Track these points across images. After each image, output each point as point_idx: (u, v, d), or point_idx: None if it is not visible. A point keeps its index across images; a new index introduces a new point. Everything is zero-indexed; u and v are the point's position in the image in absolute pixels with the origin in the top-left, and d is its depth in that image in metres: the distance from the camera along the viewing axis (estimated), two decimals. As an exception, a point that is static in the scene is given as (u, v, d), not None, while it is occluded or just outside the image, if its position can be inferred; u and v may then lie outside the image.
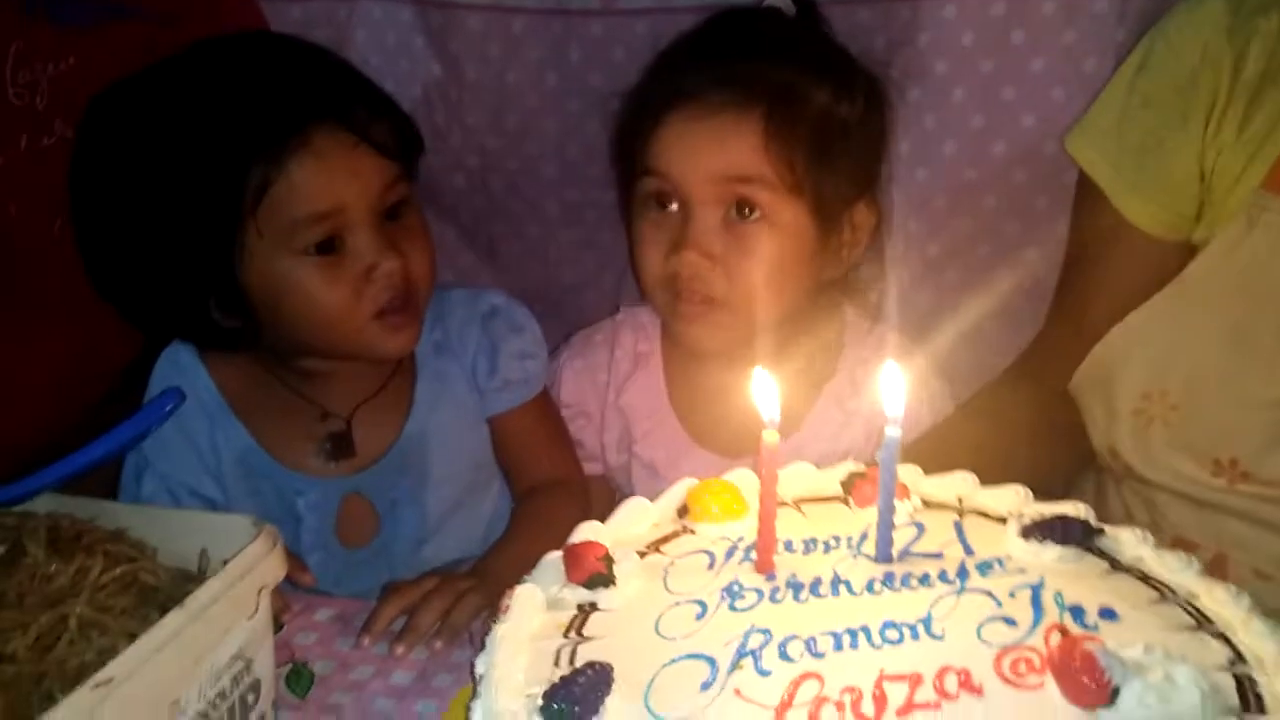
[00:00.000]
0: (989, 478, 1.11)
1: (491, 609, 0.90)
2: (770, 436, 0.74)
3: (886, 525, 0.75)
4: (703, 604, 0.72)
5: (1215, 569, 1.06)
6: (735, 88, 1.09)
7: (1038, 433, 1.17)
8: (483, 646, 0.69)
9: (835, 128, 1.13)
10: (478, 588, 0.97)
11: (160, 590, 0.67)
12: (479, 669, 0.68)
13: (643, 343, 1.29)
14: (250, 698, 0.71)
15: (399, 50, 1.37)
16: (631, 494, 0.84)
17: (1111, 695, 0.59)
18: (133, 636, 0.61)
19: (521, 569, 0.77)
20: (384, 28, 1.37)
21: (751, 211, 1.10)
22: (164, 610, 0.64)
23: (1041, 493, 1.19)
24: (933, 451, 1.15)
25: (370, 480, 1.17)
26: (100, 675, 0.58)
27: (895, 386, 0.73)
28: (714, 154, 1.09)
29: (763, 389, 0.75)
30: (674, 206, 1.12)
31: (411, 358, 1.20)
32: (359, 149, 1.03)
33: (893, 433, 0.73)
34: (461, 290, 1.26)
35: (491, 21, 1.34)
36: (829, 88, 1.13)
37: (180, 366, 1.16)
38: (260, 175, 1.00)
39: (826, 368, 1.23)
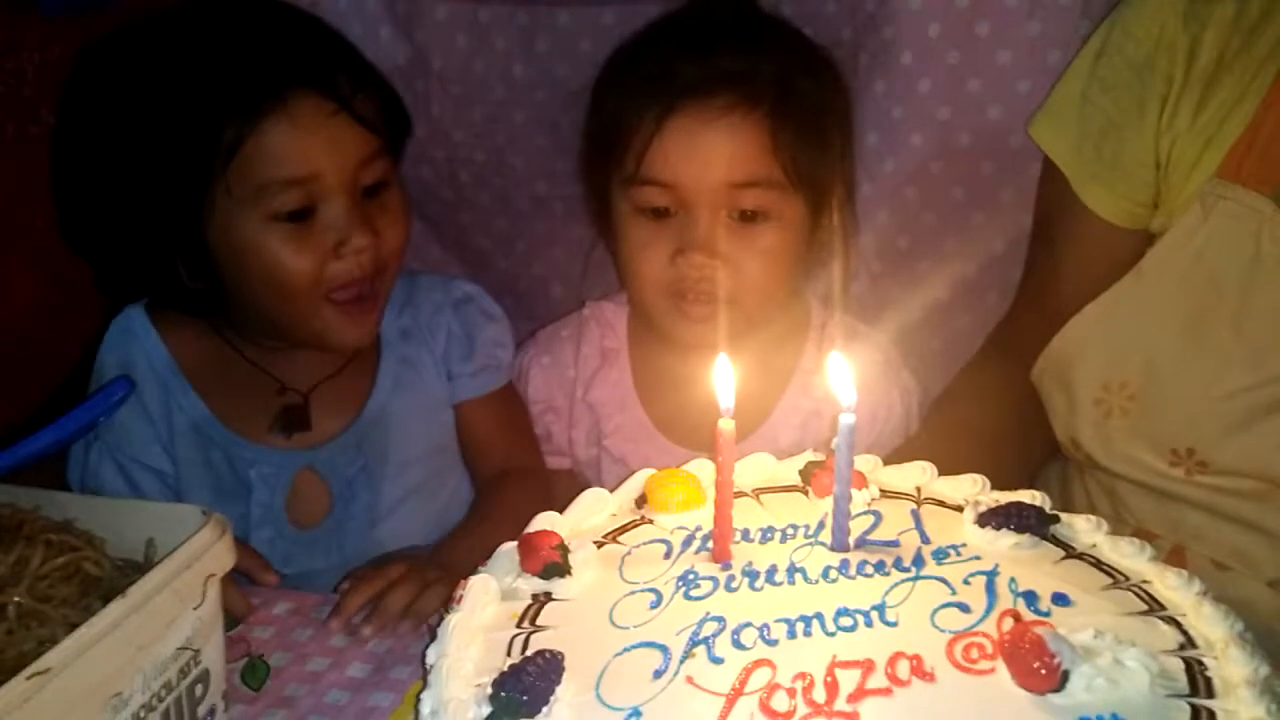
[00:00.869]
0: (986, 457, 1.14)
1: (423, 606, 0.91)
2: (726, 425, 0.74)
3: (843, 514, 0.75)
4: (658, 593, 0.71)
5: (1174, 560, 1.05)
6: (736, 88, 1.06)
7: (1023, 410, 1.17)
8: (435, 637, 0.69)
9: (823, 115, 1.12)
10: (444, 578, 0.95)
11: (104, 580, 0.66)
12: (430, 659, 0.67)
13: (609, 338, 1.27)
14: (199, 689, 0.70)
15: (365, 39, 1.35)
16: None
17: (1061, 679, 0.59)
18: (73, 626, 0.60)
19: (482, 558, 0.76)
20: (349, 16, 1.36)
21: (755, 213, 1.08)
22: (107, 600, 0.63)
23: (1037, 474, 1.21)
24: (929, 443, 1.17)
25: (325, 457, 1.15)
26: (36, 665, 0.57)
27: (845, 374, 0.73)
28: (722, 161, 1.06)
29: (721, 378, 0.75)
30: (674, 213, 1.09)
31: (377, 340, 1.17)
32: (338, 118, 1.01)
33: (846, 420, 0.72)
34: (433, 276, 1.24)
35: (458, 11, 1.33)
36: (812, 76, 1.13)
37: (133, 333, 1.13)
38: (233, 133, 0.97)
39: (792, 357, 1.23)
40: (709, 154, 1.06)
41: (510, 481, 1.23)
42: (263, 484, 1.12)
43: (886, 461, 1.14)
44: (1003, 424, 1.19)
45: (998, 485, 1.11)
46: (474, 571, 0.73)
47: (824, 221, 1.15)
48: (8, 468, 0.70)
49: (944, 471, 0.87)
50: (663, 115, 1.06)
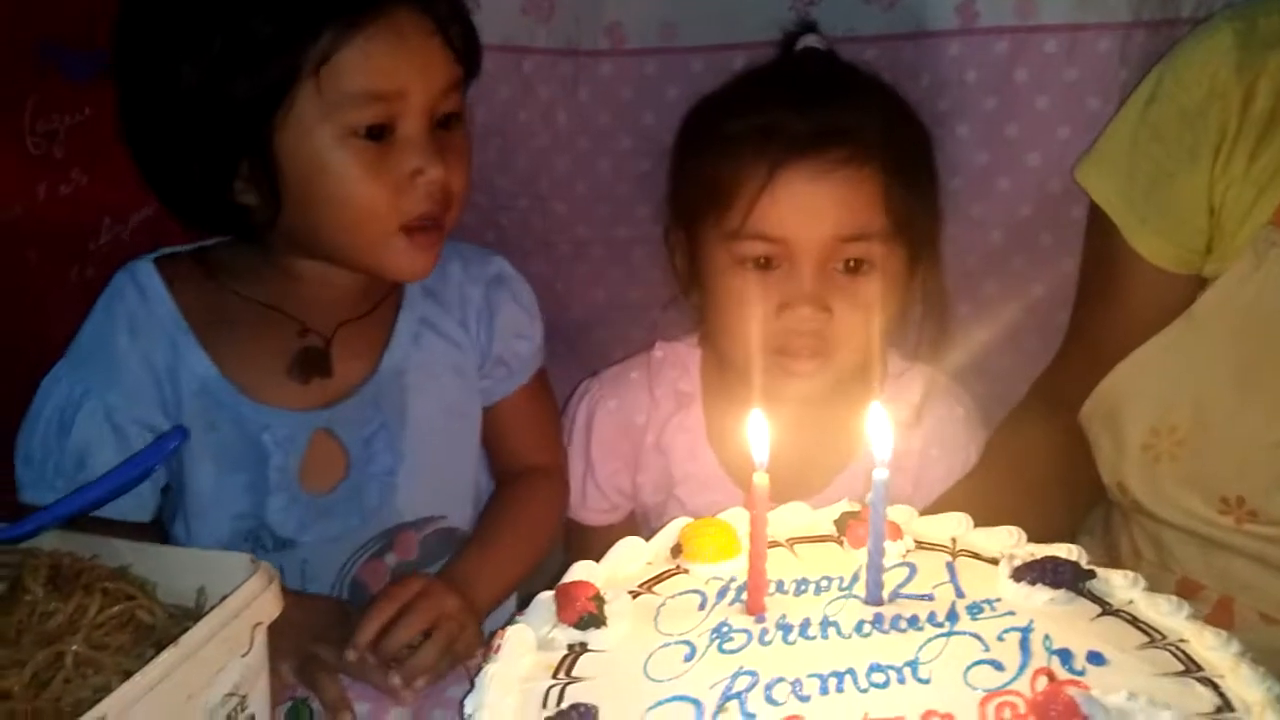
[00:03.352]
0: (1033, 503, 1.13)
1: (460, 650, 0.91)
2: (760, 479, 0.74)
3: (876, 568, 0.75)
4: (692, 645, 0.72)
5: (1221, 611, 1.05)
6: (847, 143, 1.05)
7: (1070, 456, 1.16)
8: (473, 686, 0.70)
9: (921, 166, 1.13)
10: (454, 618, 0.96)
11: (157, 628, 0.69)
12: (468, 709, 0.68)
13: (683, 381, 1.25)
14: (245, 734, 0.72)
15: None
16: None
17: (1094, 742, 0.59)
18: (127, 674, 0.62)
19: (499, 583, 0.76)
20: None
21: (859, 264, 1.08)
22: (160, 648, 0.65)
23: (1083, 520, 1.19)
24: (976, 490, 1.17)
25: (342, 416, 1.10)
26: (93, 713, 0.59)
27: (883, 429, 0.73)
28: (833, 215, 1.06)
29: (755, 432, 0.76)
30: (778, 264, 1.08)
31: (398, 292, 1.14)
32: (434, 39, 0.99)
33: (880, 475, 0.73)
34: (471, 245, 1.20)
35: (502, 61, 1.36)
36: (910, 127, 1.14)
37: (140, 286, 1.08)
38: (333, 35, 0.94)
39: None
40: (820, 208, 1.05)
41: (526, 484, 1.21)
42: (278, 448, 1.07)
43: (937, 503, 1.15)
44: (1049, 470, 1.18)
45: (1044, 531, 1.11)
46: (493, 608, 0.74)
47: (919, 271, 1.15)
48: (66, 515, 0.73)
49: (991, 518, 0.86)
50: (773, 170, 1.05)
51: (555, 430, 1.28)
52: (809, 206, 1.05)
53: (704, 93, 1.21)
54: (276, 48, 0.94)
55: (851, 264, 1.07)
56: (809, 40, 1.14)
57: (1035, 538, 0.87)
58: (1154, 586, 1.08)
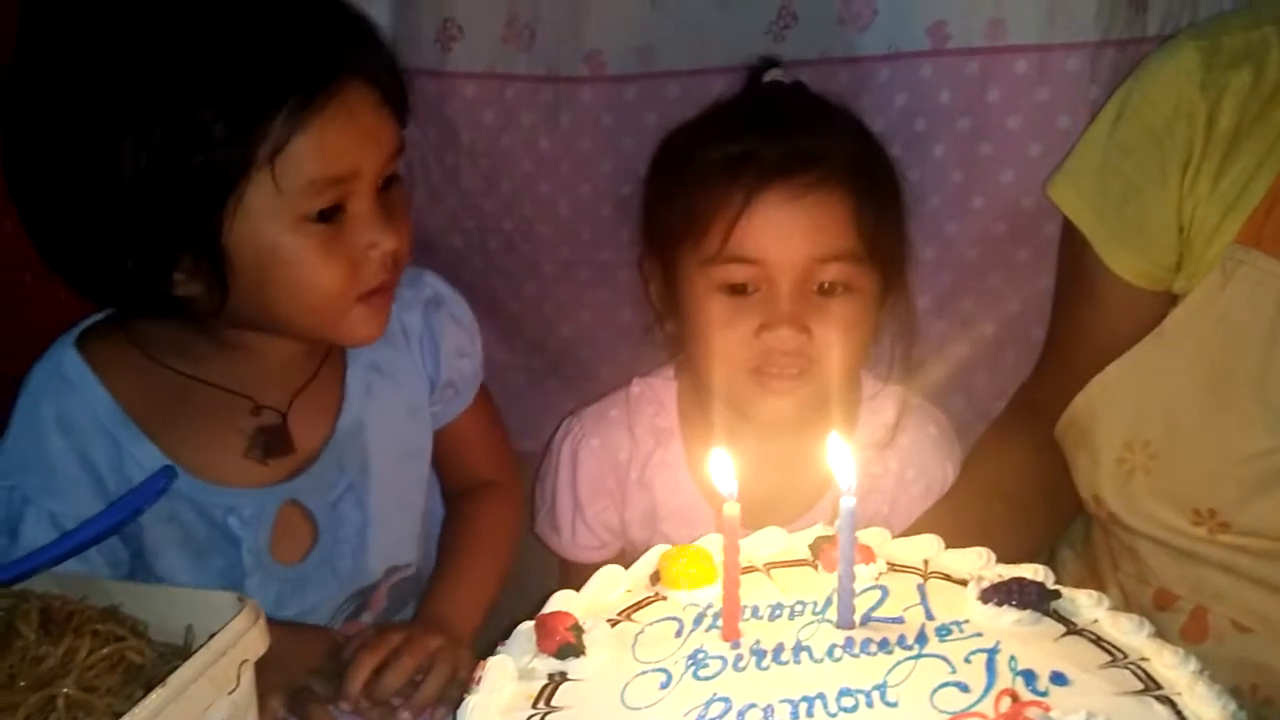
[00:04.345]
0: (1013, 517, 1.15)
1: (464, 676, 0.92)
2: (730, 510, 0.76)
3: (847, 593, 0.77)
4: (668, 673, 0.74)
5: (1196, 621, 1.07)
6: (819, 166, 1.09)
7: (1049, 469, 1.18)
8: (455, 718, 0.72)
9: (890, 189, 1.16)
10: (445, 651, 0.97)
11: (146, 668, 0.71)
12: (450, 739, 0.70)
13: (661, 416, 1.26)
14: (234, 767, 0.74)
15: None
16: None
17: (1052, 763, 0.61)
18: (117, 716, 0.64)
19: (474, 609, 0.78)
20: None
21: (834, 285, 1.10)
22: (149, 687, 0.67)
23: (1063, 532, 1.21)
24: (958, 506, 1.18)
25: (308, 484, 1.07)
26: (83, 755, 0.61)
27: (845, 458, 0.75)
28: (808, 237, 1.08)
29: (718, 464, 0.78)
30: (756, 288, 1.10)
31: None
32: (382, 110, 0.96)
33: (847, 503, 0.75)
34: None
35: (485, 88, 1.39)
36: (877, 153, 1.16)
37: (67, 379, 1.01)
38: (286, 123, 0.89)
39: (847, 432, 1.20)
40: (796, 230, 1.08)
41: (482, 501, 1.22)
42: (247, 529, 1.04)
43: (919, 522, 1.17)
44: (1029, 484, 1.20)
45: (1026, 545, 1.13)
46: (475, 639, 0.75)
47: (892, 293, 1.18)
48: (51, 561, 0.75)
49: (972, 535, 0.88)
50: (750, 194, 1.08)
51: (502, 440, 1.29)
52: (785, 229, 1.08)
53: (683, 117, 1.23)
54: (226, 138, 0.88)
55: (827, 286, 1.10)
56: (774, 74, 1.17)
57: (1018, 552, 0.89)
58: (1131, 597, 1.12)
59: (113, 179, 0.89)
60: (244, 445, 1.04)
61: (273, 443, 1.05)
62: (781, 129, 1.11)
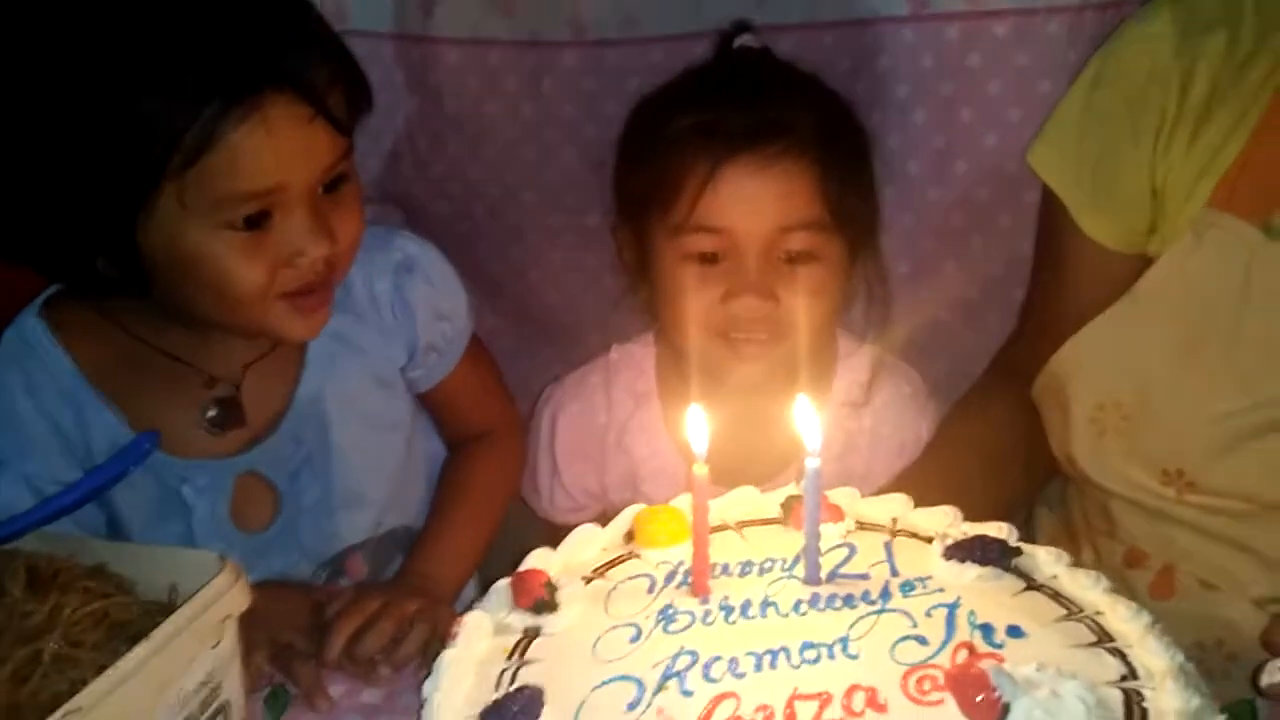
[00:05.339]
0: (990, 475, 1.17)
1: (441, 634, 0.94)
2: (699, 470, 0.78)
3: (813, 550, 0.79)
4: (638, 627, 0.76)
5: (1164, 578, 1.09)
6: (785, 136, 1.10)
7: (1027, 429, 1.20)
8: (431, 671, 0.74)
9: (857, 157, 1.17)
10: (424, 612, 0.98)
11: (132, 624, 0.73)
12: (425, 691, 0.73)
13: (640, 381, 1.29)
14: (220, 719, 0.76)
15: (381, 84, 1.41)
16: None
17: (1003, 711, 0.63)
18: (102, 668, 0.67)
19: (460, 565, 0.79)
20: (366, 63, 1.40)
21: (799, 254, 1.12)
22: (134, 642, 0.69)
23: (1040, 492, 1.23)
24: (935, 464, 1.21)
25: (264, 455, 1.07)
26: (69, 705, 0.63)
27: (812, 419, 0.77)
28: (774, 207, 1.10)
29: (694, 424, 0.80)
30: (723, 257, 1.12)
31: None
32: (313, 124, 0.90)
33: (812, 464, 0.77)
34: (367, 230, 1.06)
35: (469, 54, 1.38)
36: (845, 121, 1.17)
37: (30, 345, 1.03)
38: (196, 138, 0.85)
39: (823, 392, 1.25)
40: (761, 200, 1.09)
41: (476, 453, 1.22)
42: (200, 498, 1.05)
43: (896, 479, 1.19)
44: (1006, 443, 1.22)
45: (1002, 503, 1.15)
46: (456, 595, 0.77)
47: (860, 259, 1.20)
48: (38, 522, 0.77)
49: (949, 493, 0.90)
50: (716, 164, 1.09)
51: (499, 392, 1.29)
52: (751, 199, 1.09)
53: (666, 81, 1.24)
54: (133, 151, 0.86)
55: (793, 255, 1.11)
56: (745, 40, 1.18)
57: (993, 508, 0.91)
58: (1104, 555, 1.14)
59: (33, 169, 0.89)
60: (196, 419, 1.05)
61: (225, 415, 1.05)
62: (748, 98, 1.12)
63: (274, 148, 0.89)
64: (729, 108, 1.11)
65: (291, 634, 0.96)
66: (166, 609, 0.75)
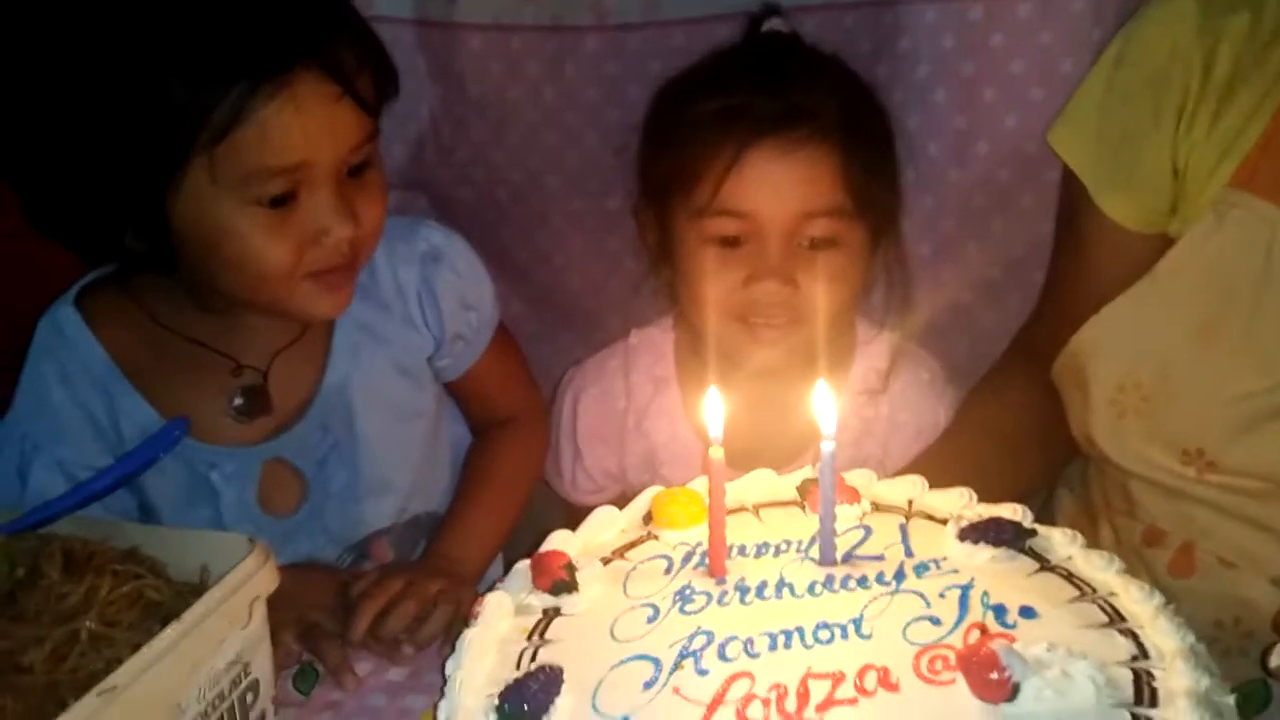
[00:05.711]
0: (1009, 458, 1.17)
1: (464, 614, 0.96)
2: (715, 453, 0.79)
3: (828, 532, 0.80)
4: (656, 608, 0.78)
5: (1183, 557, 1.09)
6: (810, 122, 1.10)
7: (1046, 411, 1.20)
8: (453, 649, 0.76)
9: (880, 143, 1.17)
10: (447, 593, 1.00)
11: (164, 604, 0.75)
12: (448, 670, 0.75)
13: (659, 366, 1.30)
14: (249, 697, 0.79)
15: (404, 70, 1.41)
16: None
17: (1013, 691, 0.64)
18: (136, 647, 0.69)
19: (484, 548, 0.81)
20: (390, 49, 1.43)
21: (821, 240, 1.12)
22: (166, 622, 0.72)
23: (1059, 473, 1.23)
24: (954, 446, 1.21)
25: (291, 443, 1.10)
26: (105, 683, 0.66)
27: (828, 402, 0.78)
28: (798, 192, 1.10)
29: (711, 408, 0.81)
30: (745, 241, 1.12)
31: None
32: (341, 103, 0.93)
33: (827, 447, 0.78)
34: (395, 220, 1.10)
35: (491, 40, 1.39)
36: (869, 106, 1.17)
37: (64, 334, 1.05)
38: (227, 113, 0.88)
39: (841, 377, 1.26)
40: (785, 185, 1.10)
41: (501, 438, 1.24)
42: (228, 485, 1.07)
43: (914, 461, 1.20)
44: (1024, 426, 1.22)
45: (1021, 485, 1.15)
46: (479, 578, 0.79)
47: (881, 245, 1.20)
48: (72, 507, 0.79)
49: (968, 475, 0.90)
50: (741, 148, 1.09)
51: (524, 378, 1.31)
52: (775, 183, 1.10)
53: (687, 65, 1.24)
54: (164, 125, 0.88)
55: (815, 241, 1.12)
56: (774, 24, 1.18)
57: (1011, 492, 0.91)
58: (1122, 534, 1.14)
59: (65, 139, 0.91)
60: (224, 404, 1.07)
61: (252, 403, 1.07)
62: (775, 83, 1.12)
63: (302, 125, 0.91)
64: (755, 92, 1.11)
65: (319, 614, 0.99)
66: (198, 590, 0.77)
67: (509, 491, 1.23)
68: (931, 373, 1.27)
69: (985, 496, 0.88)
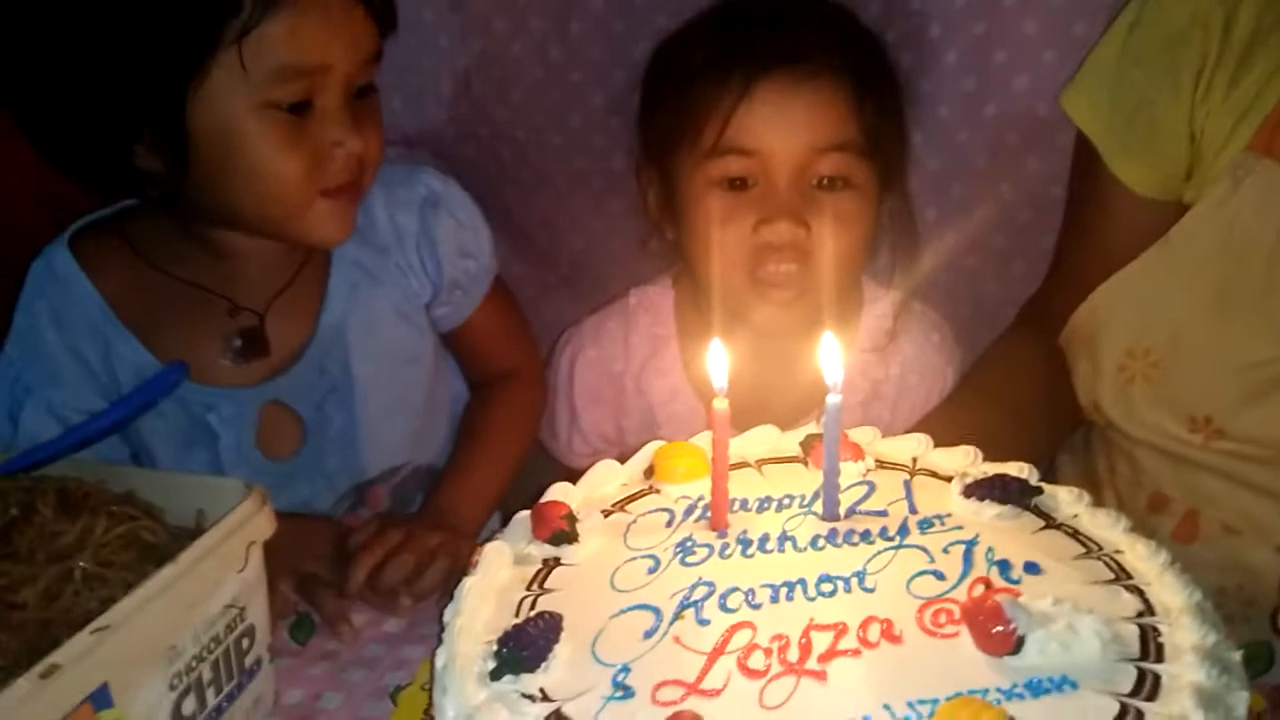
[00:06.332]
0: (1014, 425, 1.16)
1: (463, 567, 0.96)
2: (720, 405, 0.78)
3: (832, 486, 0.79)
4: (656, 559, 0.77)
5: (1188, 523, 1.09)
6: (821, 54, 1.08)
7: (1053, 380, 1.19)
8: (452, 597, 0.76)
9: (892, 87, 1.16)
10: (446, 546, 1.00)
11: (160, 547, 0.74)
12: (446, 617, 0.74)
13: (659, 325, 1.28)
14: (244, 643, 0.78)
15: (408, 25, 1.41)
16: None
17: (1017, 644, 0.63)
18: (131, 588, 0.68)
19: (482, 501, 0.80)
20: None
21: (833, 180, 1.10)
22: (161, 565, 0.71)
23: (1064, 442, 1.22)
24: (958, 412, 1.20)
25: (289, 385, 1.09)
26: (99, 621, 0.65)
27: (834, 354, 0.77)
28: (808, 125, 1.08)
29: (715, 359, 0.80)
30: (755, 183, 1.10)
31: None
32: (358, 10, 0.96)
33: (833, 400, 0.77)
34: (390, 166, 1.10)
35: (498, -5, 1.38)
36: (878, 50, 1.15)
37: (57, 276, 1.05)
38: (256, 6, 0.89)
39: (848, 335, 1.24)
40: (795, 118, 1.08)
41: (500, 392, 1.24)
42: (226, 427, 1.08)
43: (918, 427, 1.19)
44: (1030, 393, 1.22)
45: (1026, 451, 1.14)
46: (477, 532, 0.78)
47: (891, 193, 1.18)
48: (71, 447, 0.78)
49: (974, 439, 0.89)
50: (748, 82, 1.07)
51: (522, 334, 1.30)
52: (785, 117, 1.08)
53: (693, 21, 1.23)
54: (194, 16, 0.89)
55: (825, 181, 1.10)
56: None
57: (1017, 458, 0.90)
58: (1126, 501, 1.13)
59: (83, 38, 0.90)
60: (221, 349, 1.07)
61: (249, 345, 1.07)
62: (780, 20, 1.11)
63: (324, 25, 0.93)
64: (761, 29, 1.10)
65: (316, 564, 0.98)
66: (193, 534, 0.76)
67: (507, 445, 1.22)
68: (941, 334, 1.25)
69: (991, 461, 0.87)
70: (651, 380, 1.26)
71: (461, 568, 0.96)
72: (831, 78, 1.08)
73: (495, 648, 0.68)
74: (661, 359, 1.26)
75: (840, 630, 0.68)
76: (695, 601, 0.72)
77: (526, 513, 0.82)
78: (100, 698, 0.65)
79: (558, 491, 0.84)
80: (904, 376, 1.22)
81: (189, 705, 0.73)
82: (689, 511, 0.82)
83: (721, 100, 1.08)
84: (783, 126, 1.08)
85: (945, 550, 0.75)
